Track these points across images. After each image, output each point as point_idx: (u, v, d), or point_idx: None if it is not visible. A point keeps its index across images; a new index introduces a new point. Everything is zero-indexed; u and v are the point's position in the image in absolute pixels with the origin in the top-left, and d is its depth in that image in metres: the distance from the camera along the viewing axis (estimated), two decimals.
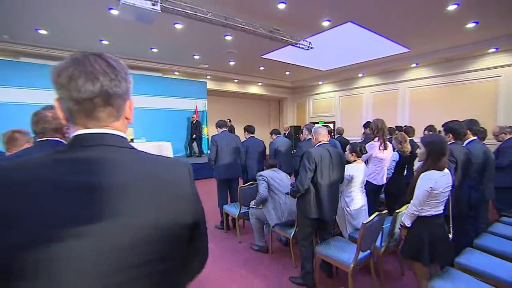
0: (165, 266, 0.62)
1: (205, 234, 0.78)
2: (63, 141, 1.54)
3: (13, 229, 0.49)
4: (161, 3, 4.48)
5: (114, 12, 5.05)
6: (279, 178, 3.25)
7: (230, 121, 10.43)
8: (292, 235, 3.02)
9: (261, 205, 3.29)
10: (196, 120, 9.63)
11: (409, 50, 7.60)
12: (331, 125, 11.07)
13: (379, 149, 3.44)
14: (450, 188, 2.07)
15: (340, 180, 2.77)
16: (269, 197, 3.19)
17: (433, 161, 2.03)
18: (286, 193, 3.16)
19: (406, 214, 2.11)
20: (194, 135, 9.58)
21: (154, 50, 7.57)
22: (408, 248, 2.12)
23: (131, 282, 0.56)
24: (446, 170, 2.05)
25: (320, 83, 12.17)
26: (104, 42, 6.86)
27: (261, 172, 3.33)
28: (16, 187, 0.52)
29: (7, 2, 4.74)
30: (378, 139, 3.49)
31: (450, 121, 2.85)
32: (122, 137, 0.66)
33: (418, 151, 2.18)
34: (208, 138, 9.89)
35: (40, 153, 1.40)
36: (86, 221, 0.53)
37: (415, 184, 2.05)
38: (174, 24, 5.67)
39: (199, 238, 0.74)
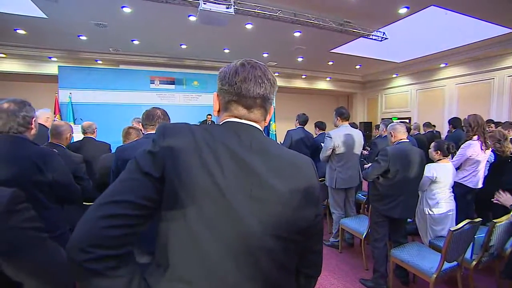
0: (295, 246, 0.70)
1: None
2: None
3: (186, 180, 0.61)
4: (234, 6, 4.74)
5: (193, 18, 5.54)
6: None
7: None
8: (364, 235, 2.91)
9: None
10: (211, 121, 8.21)
11: (511, 31, 6.36)
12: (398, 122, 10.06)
13: (481, 149, 2.98)
14: None
15: (418, 180, 2.57)
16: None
17: None
18: None
19: None
20: None
21: (226, 50, 8.02)
22: None
23: (274, 251, 0.65)
24: None
25: (394, 76, 11.21)
26: (183, 46, 7.57)
27: None
28: (196, 149, 0.64)
29: (116, 21, 5.70)
30: (478, 138, 3.01)
31: None
32: (263, 132, 0.77)
33: None
34: (275, 134, 10.02)
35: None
36: (247, 189, 0.63)
37: None
38: (246, 24, 5.93)
39: (320, 225, 0.79)
